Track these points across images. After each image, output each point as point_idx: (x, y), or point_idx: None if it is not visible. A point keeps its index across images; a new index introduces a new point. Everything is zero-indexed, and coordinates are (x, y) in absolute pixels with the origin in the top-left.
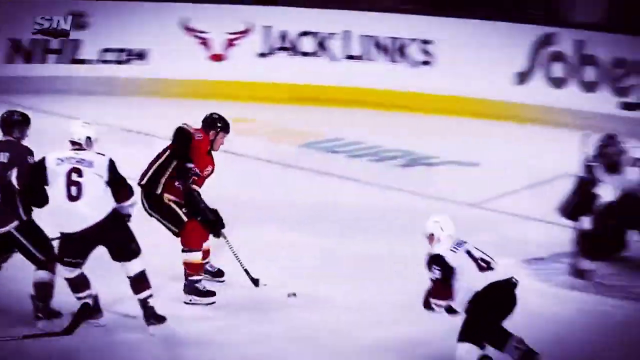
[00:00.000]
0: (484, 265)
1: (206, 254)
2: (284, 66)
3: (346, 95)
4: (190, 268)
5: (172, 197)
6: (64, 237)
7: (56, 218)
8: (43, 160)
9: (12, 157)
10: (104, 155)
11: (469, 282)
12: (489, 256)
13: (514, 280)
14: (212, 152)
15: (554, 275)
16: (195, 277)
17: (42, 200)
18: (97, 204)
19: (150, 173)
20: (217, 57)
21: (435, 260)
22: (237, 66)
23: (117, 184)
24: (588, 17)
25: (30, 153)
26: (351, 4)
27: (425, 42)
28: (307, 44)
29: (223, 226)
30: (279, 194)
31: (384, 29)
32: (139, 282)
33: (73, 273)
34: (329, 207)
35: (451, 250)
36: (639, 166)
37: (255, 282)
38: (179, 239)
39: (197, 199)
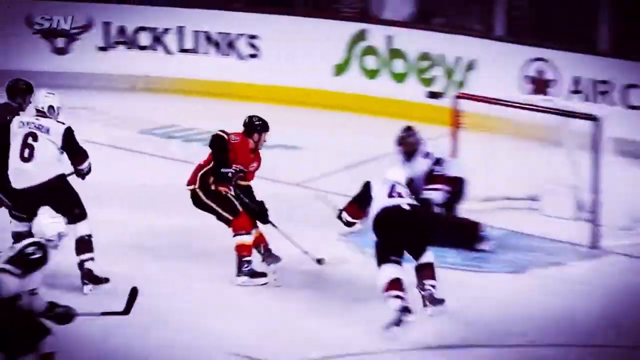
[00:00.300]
0: (394, 195)
1: (261, 239)
2: (123, 59)
3: (180, 86)
4: (242, 249)
5: (225, 189)
6: (14, 193)
7: (10, 175)
8: (10, 121)
9: None
10: (63, 124)
11: (376, 204)
12: (411, 197)
13: (407, 205)
14: (258, 150)
15: (370, 247)
16: (247, 258)
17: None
18: (45, 166)
19: (199, 176)
20: (60, 51)
21: (364, 184)
22: (79, 59)
23: (72, 150)
24: (396, 15)
25: (13, 115)
26: (184, 2)
27: (252, 37)
28: (144, 39)
29: (267, 215)
30: (119, 176)
31: (214, 25)
32: (82, 245)
33: (21, 227)
34: (166, 189)
35: (382, 181)
36: (430, 159)
37: (320, 261)
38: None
39: (240, 197)
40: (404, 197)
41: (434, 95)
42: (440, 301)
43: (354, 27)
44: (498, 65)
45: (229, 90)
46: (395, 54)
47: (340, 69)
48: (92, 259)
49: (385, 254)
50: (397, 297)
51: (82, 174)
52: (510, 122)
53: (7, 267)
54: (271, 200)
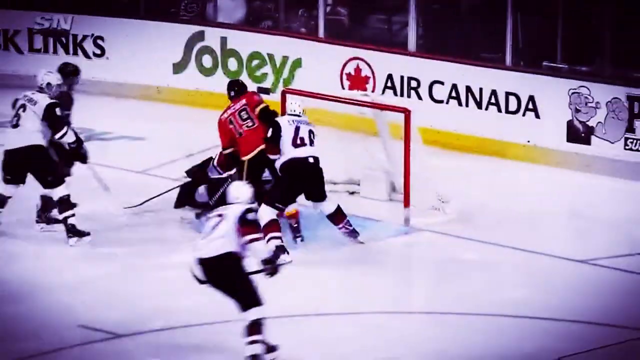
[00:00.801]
0: (299, 143)
1: None
2: None
3: (31, 83)
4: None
5: None
6: (3, 156)
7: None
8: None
9: None
10: (51, 99)
11: (284, 149)
12: (313, 139)
13: (311, 158)
14: None
15: None
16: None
17: None
18: (25, 134)
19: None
20: None
21: (274, 125)
22: None
23: (50, 123)
24: (230, 19)
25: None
26: (34, 5)
27: (98, 38)
28: None
29: None
30: None
31: (63, 27)
32: (62, 204)
33: (8, 191)
34: None
35: (288, 121)
36: None
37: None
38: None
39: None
40: (307, 145)
41: (264, 90)
42: (357, 234)
43: (191, 29)
44: (321, 63)
45: (77, 87)
46: (229, 53)
47: (180, 67)
48: (73, 215)
49: (274, 199)
50: (275, 237)
51: (68, 143)
52: (333, 115)
53: (256, 235)
54: (117, 186)
